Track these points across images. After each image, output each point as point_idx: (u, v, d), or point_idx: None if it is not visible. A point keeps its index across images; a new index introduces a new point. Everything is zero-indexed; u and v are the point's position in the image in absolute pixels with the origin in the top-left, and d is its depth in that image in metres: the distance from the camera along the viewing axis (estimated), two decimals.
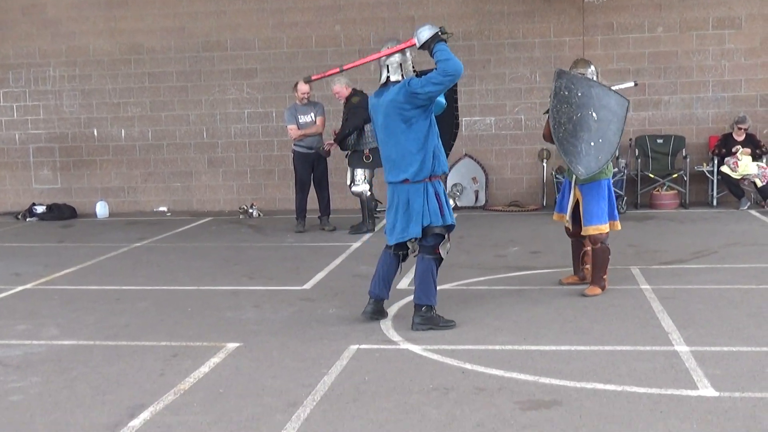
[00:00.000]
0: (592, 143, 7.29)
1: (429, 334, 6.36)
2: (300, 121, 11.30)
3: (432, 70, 6.50)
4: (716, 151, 12.48)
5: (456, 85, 6.98)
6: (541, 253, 9.51)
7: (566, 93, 7.42)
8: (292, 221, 11.74)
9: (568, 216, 7.67)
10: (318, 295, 7.81)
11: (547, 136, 7.59)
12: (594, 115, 7.36)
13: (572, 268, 7.98)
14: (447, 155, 6.82)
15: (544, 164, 13.15)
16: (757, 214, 11.70)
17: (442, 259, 6.59)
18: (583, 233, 7.55)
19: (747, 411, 4.70)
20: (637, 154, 12.91)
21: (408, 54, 6.72)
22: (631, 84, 8.42)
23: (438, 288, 6.72)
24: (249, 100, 13.90)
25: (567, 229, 7.84)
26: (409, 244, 6.63)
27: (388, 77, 6.65)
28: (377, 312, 6.82)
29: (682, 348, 5.83)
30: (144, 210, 14.23)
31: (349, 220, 11.74)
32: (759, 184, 12.07)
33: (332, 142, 11.25)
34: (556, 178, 12.45)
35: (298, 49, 13.68)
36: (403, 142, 6.43)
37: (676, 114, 13.08)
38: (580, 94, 7.39)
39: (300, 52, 13.67)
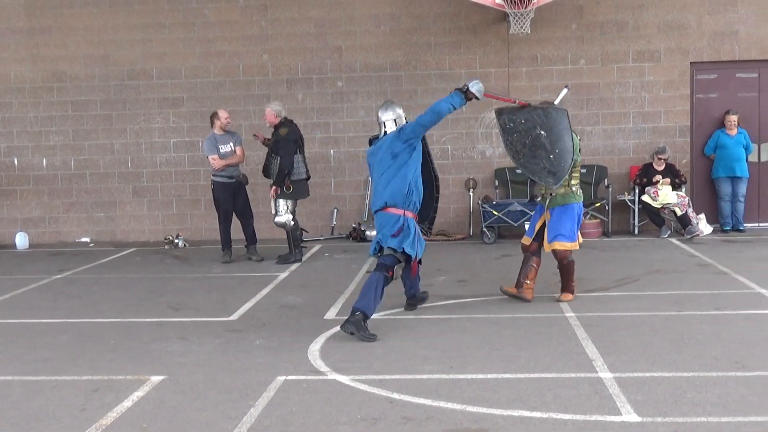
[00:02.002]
0: (552, 156, 7.91)
1: (357, 364, 6.34)
2: (221, 151, 11.21)
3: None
4: (637, 181, 12.76)
5: (427, 145, 8.06)
6: (468, 281, 9.58)
7: (511, 125, 8.09)
8: (218, 251, 11.62)
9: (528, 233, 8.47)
10: (245, 326, 7.73)
11: None
12: (542, 132, 7.93)
13: (515, 281, 8.45)
14: (434, 210, 8.27)
15: (471, 194, 13.29)
16: (677, 242, 11.98)
17: (391, 279, 7.35)
18: (547, 249, 8.23)
19: None
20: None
21: (398, 110, 7.76)
22: (565, 90, 8.83)
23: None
24: (175, 129, 13.76)
25: (524, 245, 8.46)
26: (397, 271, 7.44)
27: (385, 132, 7.71)
28: (416, 302, 8.12)
29: (605, 374, 5.92)
30: (66, 241, 13.92)
31: (278, 251, 11.67)
32: (678, 212, 12.37)
33: (264, 138, 11.27)
34: (483, 207, 12.58)
35: (225, 78, 13.62)
36: (387, 175, 7.42)
37: (599, 144, 13.36)
38: (523, 121, 7.99)
39: (227, 81, 13.61)
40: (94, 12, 13.68)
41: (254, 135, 11.65)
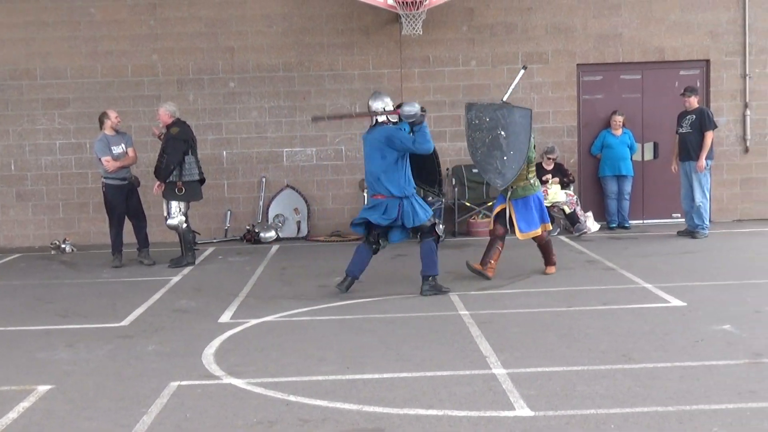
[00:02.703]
0: (505, 158, 8.91)
1: (253, 368, 6.28)
2: (113, 152, 10.94)
3: (401, 105, 8.81)
4: None
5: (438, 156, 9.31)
6: (364, 282, 9.58)
7: (477, 122, 9.05)
8: (108, 256, 11.33)
9: (492, 217, 9.66)
10: (136, 332, 7.56)
11: None
12: (503, 133, 8.93)
13: (480, 259, 9.52)
14: (439, 173, 9.39)
15: (365, 194, 13.32)
16: (566, 240, 12.28)
17: (440, 237, 8.76)
18: (521, 238, 9.39)
19: (560, 428, 4.90)
20: (454, 183, 13.30)
21: (388, 100, 8.82)
22: (522, 72, 9.67)
23: (261, 319, 6.96)
24: (61, 131, 13.36)
25: (490, 230, 9.66)
26: (381, 242, 8.88)
27: (377, 121, 8.76)
28: (350, 286, 8.81)
29: (499, 371, 6.01)
30: None
31: (170, 254, 11.47)
32: (567, 211, 12.67)
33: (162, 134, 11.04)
34: None
35: (113, 78, 13.30)
36: (378, 168, 8.60)
37: None
38: (488, 119, 8.96)
39: (116, 82, 13.29)
40: None
41: (153, 131, 11.40)
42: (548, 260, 9.72)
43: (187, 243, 11.00)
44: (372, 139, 8.70)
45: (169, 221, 10.88)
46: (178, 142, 10.72)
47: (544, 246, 9.64)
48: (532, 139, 9.12)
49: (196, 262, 11.14)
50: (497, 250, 9.48)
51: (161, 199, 11.08)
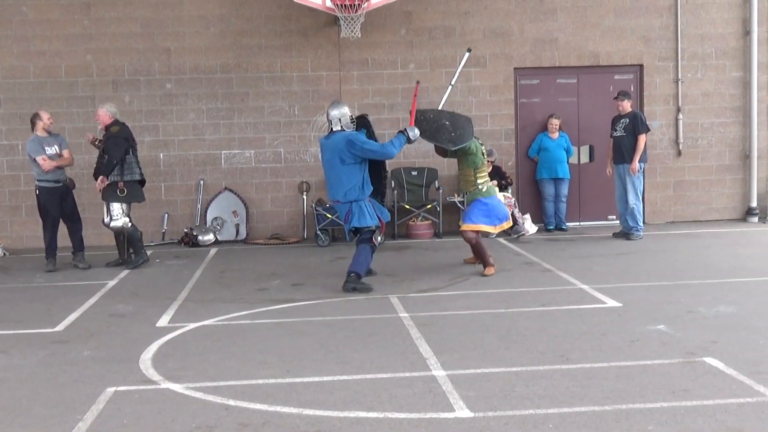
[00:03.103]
0: (453, 133, 9.59)
1: (191, 372, 6.21)
2: (47, 153, 10.74)
3: (363, 116, 9.65)
4: None
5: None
6: (303, 285, 9.57)
7: (422, 118, 9.65)
8: (41, 260, 11.10)
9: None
10: (71, 337, 7.42)
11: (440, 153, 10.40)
12: (447, 123, 9.69)
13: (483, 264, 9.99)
14: (383, 185, 9.66)
15: (305, 197, 13.29)
16: (505, 242, 12.39)
17: (375, 246, 9.15)
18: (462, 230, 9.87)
19: (500, 429, 4.94)
20: (393, 186, 13.33)
21: (346, 110, 9.20)
22: (467, 55, 10.50)
23: (200, 323, 6.95)
24: None
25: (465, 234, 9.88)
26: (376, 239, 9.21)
27: (331, 129, 9.15)
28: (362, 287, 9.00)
29: (439, 372, 6.04)
30: None
31: (106, 257, 11.29)
32: None
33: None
34: (316, 210, 12.62)
35: (46, 78, 13.04)
36: (338, 174, 8.98)
37: (429, 147, 13.51)
38: (432, 116, 9.73)
39: (48, 82, 13.04)
40: None
41: (88, 137, 11.23)
42: (484, 261, 9.88)
43: (138, 241, 10.86)
44: (331, 145, 9.04)
45: (113, 223, 10.71)
46: (119, 139, 10.60)
47: (474, 247, 9.85)
48: (477, 144, 9.75)
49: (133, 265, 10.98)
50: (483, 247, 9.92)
51: (97, 201, 10.90)
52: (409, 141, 9.23)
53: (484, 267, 9.85)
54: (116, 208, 10.69)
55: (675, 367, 6.03)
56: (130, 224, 10.77)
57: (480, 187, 9.80)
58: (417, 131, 9.24)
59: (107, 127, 10.73)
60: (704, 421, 4.97)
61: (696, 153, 13.97)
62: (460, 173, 10.10)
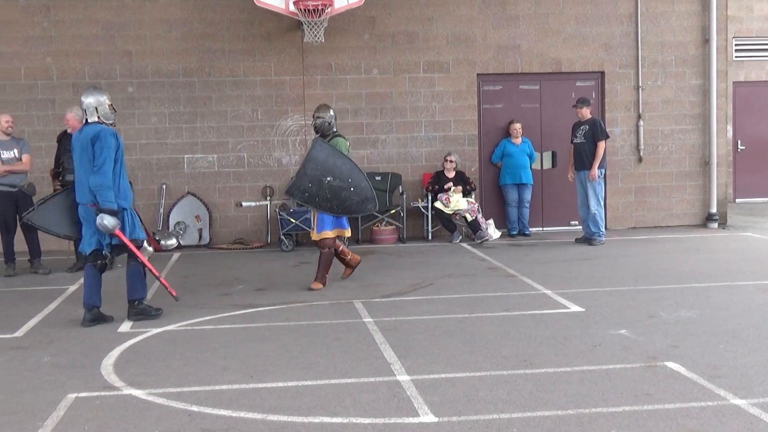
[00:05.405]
0: (352, 188, 9.14)
1: (153, 378, 6.15)
2: (3, 156, 10.59)
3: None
4: (430, 188, 13.15)
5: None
6: (267, 290, 9.53)
7: (307, 195, 9.15)
8: (1, 265, 10.95)
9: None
10: (31, 343, 7.32)
11: None
12: (329, 178, 9.07)
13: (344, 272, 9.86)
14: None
15: (268, 201, 13.24)
16: (468, 247, 12.44)
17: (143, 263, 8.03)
18: (315, 239, 9.43)
19: None
20: None
21: (101, 98, 7.96)
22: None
23: (162, 329, 6.95)
24: None
25: (318, 242, 9.43)
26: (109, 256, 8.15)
27: (86, 119, 7.95)
28: (97, 318, 7.88)
29: (403, 377, 6.04)
30: None
31: (65, 262, 11.15)
32: (469, 218, 12.84)
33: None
34: (280, 215, 12.58)
35: (5, 81, 12.86)
36: (89, 174, 7.76)
37: (393, 152, 13.66)
38: (309, 184, 9.08)
39: (8, 85, 12.86)
40: None
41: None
42: (320, 275, 9.42)
43: None
44: (81, 139, 7.94)
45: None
46: None
47: (324, 255, 9.38)
48: (343, 141, 9.53)
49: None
50: (342, 249, 9.69)
51: None
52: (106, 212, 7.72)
53: (315, 280, 9.43)
54: None
55: (637, 372, 6.08)
56: None
57: None
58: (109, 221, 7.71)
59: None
60: (666, 424, 5.02)
61: (656, 159, 14.13)
62: None
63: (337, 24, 12.92)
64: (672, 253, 11.57)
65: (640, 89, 13.94)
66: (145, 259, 8.15)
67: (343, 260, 9.79)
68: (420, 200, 13.35)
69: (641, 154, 14.06)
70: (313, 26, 12.25)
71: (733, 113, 17.29)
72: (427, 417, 5.22)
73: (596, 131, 12.26)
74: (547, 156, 13.99)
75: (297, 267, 10.95)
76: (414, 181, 13.65)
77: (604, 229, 12.53)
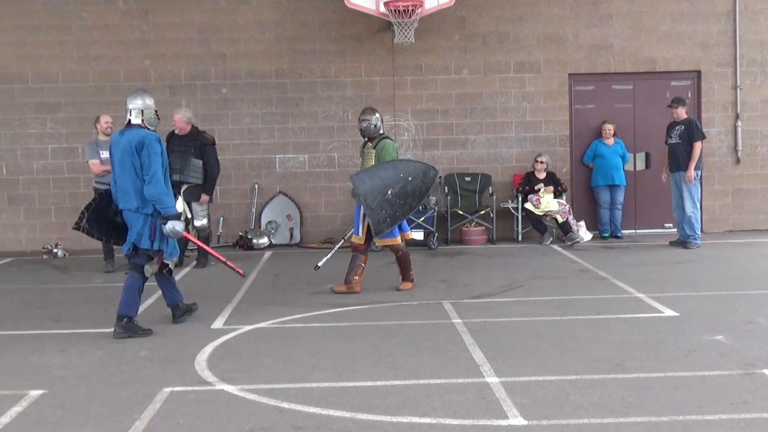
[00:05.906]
0: (410, 178, 9.03)
1: (245, 374, 6.26)
2: (102, 156, 10.92)
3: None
4: (520, 189, 13.05)
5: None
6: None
7: (390, 191, 8.92)
8: (100, 261, 11.30)
9: (361, 234, 9.22)
10: (129, 337, 7.52)
11: None
12: (409, 178, 9.01)
13: (345, 278, 9.30)
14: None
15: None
16: (559, 249, 12.30)
17: (146, 278, 7.58)
18: (379, 245, 9.35)
19: None
20: (446, 191, 13.31)
21: (149, 101, 7.75)
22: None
23: (254, 326, 7.03)
24: (53, 135, 13.32)
25: (356, 245, 9.24)
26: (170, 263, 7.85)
27: (129, 120, 7.68)
28: (129, 329, 7.46)
29: (492, 379, 6.01)
30: None
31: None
32: (560, 220, 12.70)
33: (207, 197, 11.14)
34: None
35: (105, 83, 13.26)
36: (132, 179, 7.49)
37: (482, 153, 13.60)
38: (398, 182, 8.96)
39: (108, 87, 13.25)
40: None
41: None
42: (406, 275, 9.42)
43: (208, 244, 11.13)
44: (123, 143, 7.67)
45: (197, 222, 11.10)
46: (214, 148, 11.20)
47: (401, 258, 9.33)
48: (394, 149, 9.37)
49: (189, 268, 11.10)
50: (360, 266, 9.27)
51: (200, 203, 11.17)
52: (171, 218, 7.48)
53: (403, 280, 9.43)
54: (199, 207, 11.09)
55: (734, 379, 5.92)
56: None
57: None
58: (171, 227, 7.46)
59: (190, 134, 11.04)
60: None
61: (755, 161, 13.73)
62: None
63: (427, 24, 12.92)
64: None
65: (738, 89, 13.56)
66: (208, 248, 8.92)
67: (351, 276, 9.36)
68: (510, 201, 13.26)
69: (739, 155, 13.67)
70: (403, 27, 12.28)
71: None
72: (517, 420, 5.18)
73: (692, 131, 11.97)
74: (641, 157, 13.72)
75: (386, 267, 10.98)
76: (504, 182, 13.56)
77: (699, 232, 12.23)
